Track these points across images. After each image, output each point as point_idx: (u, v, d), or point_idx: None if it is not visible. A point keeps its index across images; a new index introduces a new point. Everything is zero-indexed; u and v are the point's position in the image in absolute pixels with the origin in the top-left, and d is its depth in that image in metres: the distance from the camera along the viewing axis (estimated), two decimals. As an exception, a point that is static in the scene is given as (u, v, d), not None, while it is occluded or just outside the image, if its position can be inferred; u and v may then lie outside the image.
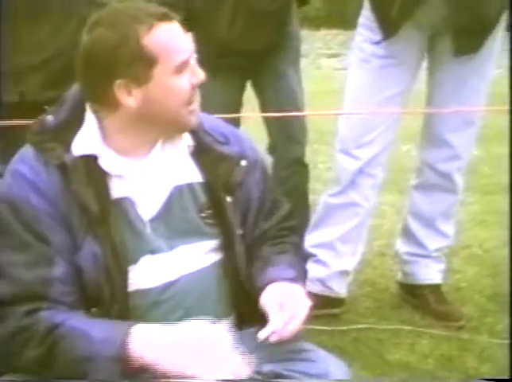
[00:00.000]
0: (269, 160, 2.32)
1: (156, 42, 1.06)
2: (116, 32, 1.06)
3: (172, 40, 1.09)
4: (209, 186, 1.19)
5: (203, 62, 2.20)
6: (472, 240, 2.73)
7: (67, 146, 1.09)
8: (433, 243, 2.20)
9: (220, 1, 2.06)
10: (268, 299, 1.13)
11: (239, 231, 1.20)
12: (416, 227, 2.21)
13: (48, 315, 1.04)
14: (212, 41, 2.13)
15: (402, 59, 1.98)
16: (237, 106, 2.28)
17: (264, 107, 2.29)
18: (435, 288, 2.22)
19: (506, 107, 2.05)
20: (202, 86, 2.28)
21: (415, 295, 2.23)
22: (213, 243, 1.19)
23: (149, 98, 1.09)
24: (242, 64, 2.20)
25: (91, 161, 1.09)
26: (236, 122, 2.16)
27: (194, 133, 1.19)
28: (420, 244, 2.21)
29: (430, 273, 2.22)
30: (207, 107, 2.25)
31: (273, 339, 1.07)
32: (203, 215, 1.18)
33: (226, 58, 2.15)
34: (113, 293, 1.09)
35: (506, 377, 1.62)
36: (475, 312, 2.18)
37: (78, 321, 1.05)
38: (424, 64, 2.09)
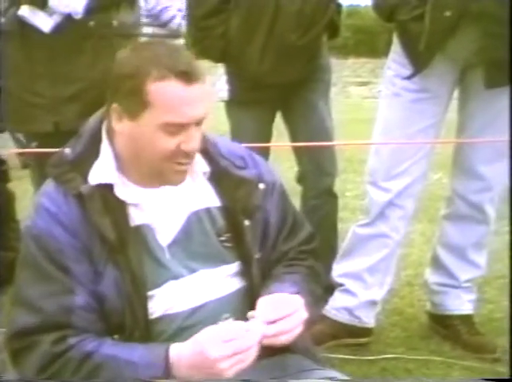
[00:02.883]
0: (298, 190, 2.35)
1: (157, 93, 1.07)
2: (134, 63, 1.10)
3: (175, 100, 1.07)
4: (227, 210, 1.20)
5: (234, 94, 2.28)
6: (506, 270, 2.68)
7: (84, 177, 1.13)
8: (464, 273, 2.18)
9: (251, 36, 2.11)
10: (257, 308, 1.12)
11: (257, 255, 1.21)
12: (446, 257, 2.19)
13: (76, 342, 1.08)
14: (243, 75, 2.19)
15: (435, 92, 1.99)
16: (267, 137, 2.31)
17: (294, 138, 2.32)
18: (466, 319, 2.19)
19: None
20: (233, 117, 2.33)
21: (445, 326, 2.20)
22: (233, 267, 1.20)
23: (132, 134, 1.11)
24: (273, 97, 2.23)
25: (107, 190, 1.12)
26: (265, 152, 2.19)
27: (210, 158, 1.21)
28: (450, 275, 2.19)
29: (461, 303, 2.20)
30: (237, 137, 2.30)
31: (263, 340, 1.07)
32: (222, 239, 1.20)
33: (256, 91, 2.19)
34: (134, 319, 1.11)
35: (506, 377, 1.59)
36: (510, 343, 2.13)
37: (112, 349, 1.08)
38: (455, 95, 2.10)
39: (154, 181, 1.16)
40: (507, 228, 3.05)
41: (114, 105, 1.11)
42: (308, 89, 2.23)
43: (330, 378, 1.20)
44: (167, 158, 1.11)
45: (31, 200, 2.14)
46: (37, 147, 2.08)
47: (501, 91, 1.92)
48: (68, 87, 1.99)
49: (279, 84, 2.17)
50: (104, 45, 2.00)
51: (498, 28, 1.82)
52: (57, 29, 1.93)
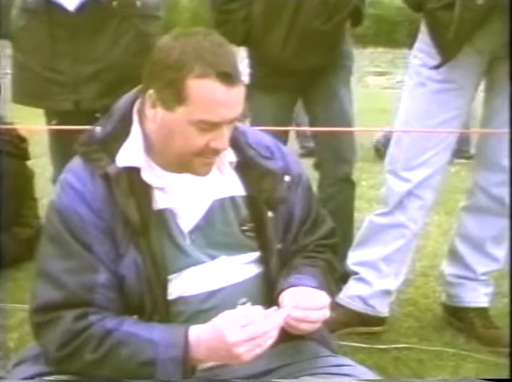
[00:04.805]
0: (315, 176, 2.34)
1: (196, 90, 1.06)
2: (178, 55, 1.07)
3: (212, 100, 1.06)
4: (251, 200, 1.20)
5: (256, 79, 2.27)
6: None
7: (112, 157, 1.12)
8: (482, 266, 2.16)
9: (274, 21, 2.09)
10: (286, 297, 1.14)
11: (278, 246, 1.22)
12: (464, 249, 2.17)
13: (97, 319, 1.09)
14: (265, 59, 2.18)
15: (460, 84, 1.96)
16: (286, 123, 2.31)
17: (314, 124, 2.30)
18: (481, 312, 2.18)
19: None
20: (254, 101, 2.32)
21: (460, 318, 2.19)
22: (254, 255, 1.21)
23: (164, 124, 1.10)
24: (294, 82, 2.22)
25: (134, 172, 1.12)
26: (284, 138, 2.18)
27: (238, 147, 1.20)
28: (467, 267, 2.17)
29: (477, 296, 2.18)
30: (256, 121, 2.29)
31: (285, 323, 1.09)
32: (245, 228, 1.20)
33: (278, 76, 2.18)
34: (153, 302, 1.12)
35: (506, 377, 1.58)
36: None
37: (133, 327, 1.09)
38: (481, 88, 2.07)
39: (181, 168, 1.16)
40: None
41: (150, 91, 1.10)
42: (330, 75, 2.21)
43: (345, 365, 1.19)
44: (195, 154, 1.12)
45: (49, 178, 2.17)
46: (57, 125, 2.09)
47: None
48: (89, 66, 1.99)
49: (301, 70, 2.15)
50: (126, 26, 2.00)
51: None
52: (82, 7, 1.93)
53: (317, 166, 2.34)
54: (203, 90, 1.06)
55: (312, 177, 2.31)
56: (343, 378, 1.14)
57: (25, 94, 2.05)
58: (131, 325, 1.09)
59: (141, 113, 1.15)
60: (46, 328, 1.10)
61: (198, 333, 1.07)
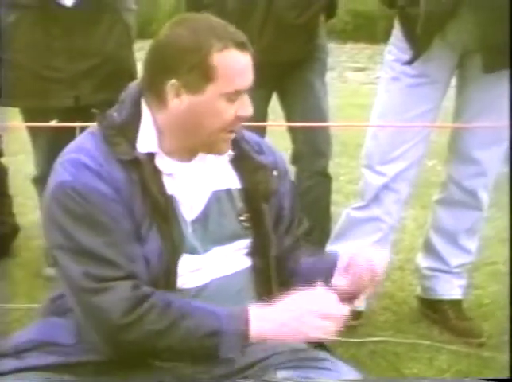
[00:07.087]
0: (292, 170, 2.35)
1: (222, 63, 1.09)
2: (193, 36, 1.09)
3: (237, 68, 1.11)
4: (247, 193, 1.23)
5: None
6: (496, 257, 2.69)
7: (131, 143, 1.13)
8: (455, 259, 2.19)
9: (249, 14, 2.08)
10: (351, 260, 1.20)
11: (274, 238, 1.24)
12: (438, 242, 2.20)
13: (151, 291, 1.09)
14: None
15: (434, 77, 1.99)
16: (262, 117, 2.30)
17: (290, 118, 2.31)
18: (455, 304, 2.21)
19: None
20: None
21: (434, 310, 2.22)
22: (245, 243, 1.22)
23: (193, 108, 1.11)
24: (270, 76, 2.20)
25: (149, 158, 1.14)
26: (261, 132, 2.18)
27: (234, 141, 1.22)
28: (441, 260, 2.20)
29: (451, 288, 2.21)
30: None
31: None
32: (242, 218, 1.22)
33: (253, 70, 2.18)
34: (167, 282, 1.13)
35: (506, 377, 1.61)
36: (496, 329, 2.14)
37: (191, 301, 1.11)
38: (453, 81, 2.10)
39: (191, 153, 1.18)
40: (498, 215, 3.07)
41: (172, 81, 1.10)
42: (305, 69, 2.22)
43: (321, 359, 1.20)
44: (226, 126, 1.14)
45: (25, 176, 2.14)
46: (57, 123, 2.05)
47: (498, 77, 1.92)
48: (86, 60, 1.99)
49: (276, 63, 2.15)
50: (116, 19, 2.00)
51: (495, 12, 1.81)
52: (79, 2, 1.91)
53: (294, 160, 2.35)
54: (228, 62, 1.10)
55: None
56: (322, 372, 1.15)
57: (21, 95, 2.01)
58: (187, 300, 1.11)
59: (151, 105, 1.15)
60: (103, 296, 1.07)
61: (259, 309, 1.09)
